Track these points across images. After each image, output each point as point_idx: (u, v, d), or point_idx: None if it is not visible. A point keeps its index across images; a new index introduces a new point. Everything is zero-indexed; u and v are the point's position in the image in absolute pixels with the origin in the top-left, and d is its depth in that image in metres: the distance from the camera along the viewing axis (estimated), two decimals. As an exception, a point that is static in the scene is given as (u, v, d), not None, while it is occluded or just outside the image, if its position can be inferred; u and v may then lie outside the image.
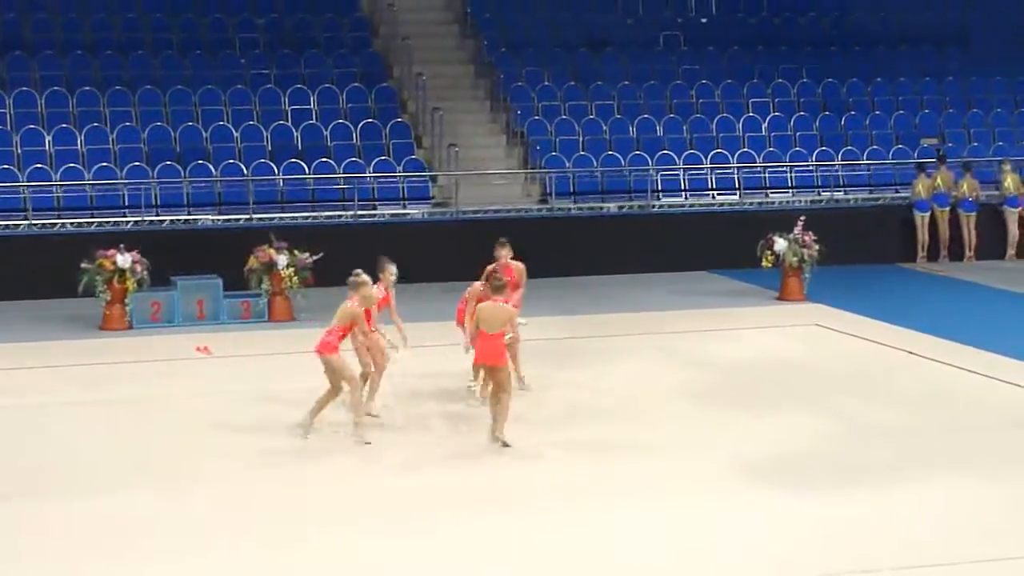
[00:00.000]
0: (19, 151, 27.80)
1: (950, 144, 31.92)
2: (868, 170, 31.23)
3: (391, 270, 17.46)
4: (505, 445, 15.83)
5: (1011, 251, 29.76)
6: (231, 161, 28.28)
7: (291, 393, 18.20)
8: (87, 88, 29.40)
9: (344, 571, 12.25)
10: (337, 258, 23.75)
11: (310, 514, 13.66)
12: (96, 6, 31.60)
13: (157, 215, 27.07)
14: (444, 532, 13.12)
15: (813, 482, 14.68)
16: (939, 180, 29.59)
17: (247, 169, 28.07)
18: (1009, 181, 29.91)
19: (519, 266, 18.45)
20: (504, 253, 18.38)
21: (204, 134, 28.88)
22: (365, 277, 16.42)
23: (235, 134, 29.02)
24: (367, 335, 16.59)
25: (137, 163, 27.86)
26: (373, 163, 28.77)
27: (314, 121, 29.79)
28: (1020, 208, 29.84)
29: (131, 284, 22.74)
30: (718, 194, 30.22)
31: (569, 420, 17.03)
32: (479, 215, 28.05)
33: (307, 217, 27.50)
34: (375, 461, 15.65)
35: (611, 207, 29.32)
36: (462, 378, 17.86)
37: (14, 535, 13.09)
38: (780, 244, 24.86)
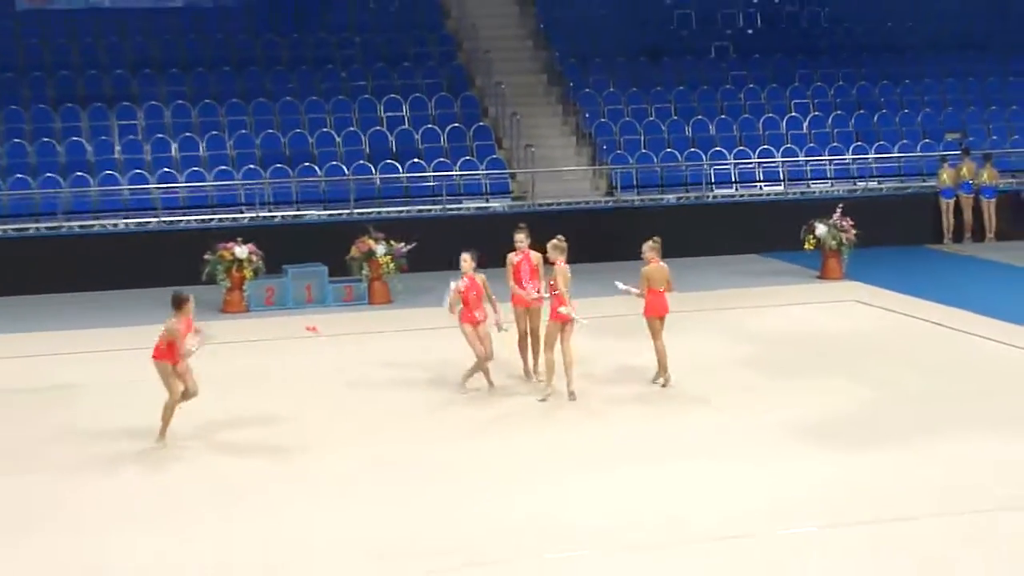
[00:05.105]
0: (149, 157, 28.03)
1: (971, 138, 31.52)
2: (899, 162, 30.88)
3: (464, 257, 17.00)
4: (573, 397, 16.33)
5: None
6: (334, 163, 28.36)
7: (390, 366, 18.33)
8: (208, 101, 29.58)
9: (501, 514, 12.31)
10: (429, 247, 23.90)
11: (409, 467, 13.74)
12: (213, 28, 31.79)
13: (270, 211, 27.19)
14: (531, 488, 13.15)
15: (855, 440, 14.57)
16: (963, 170, 29.31)
17: (348, 169, 28.14)
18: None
19: (536, 255, 17.12)
20: (521, 237, 17.22)
21: (310, 139, 28.97)
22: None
23: (337, 139, 29.11)
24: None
25: (252, 166, 28.00)
26: (459, 162, 28.77)
27: (406, 126, 29.80)
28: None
29: (248, 272, 22.89)
30: (765, 185, 30.00)
31: (636, 386, 17.00)
32: (553, 207, 28.01)
33: (401, 211, 27.51)
34: (463, 424, 15.71)
35: (670, 198, 29.18)
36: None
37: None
38: (821, 229, 24.71)
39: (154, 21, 31.62)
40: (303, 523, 12.22)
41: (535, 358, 17.36)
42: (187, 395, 15.03)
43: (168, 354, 14.87)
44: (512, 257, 17.18)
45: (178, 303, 15.00)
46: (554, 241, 16.62)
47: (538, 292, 17.01)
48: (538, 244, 17.03)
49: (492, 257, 17.62)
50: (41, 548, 11.83)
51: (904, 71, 33.74)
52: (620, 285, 17.10)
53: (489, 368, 17.05)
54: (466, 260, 16.93)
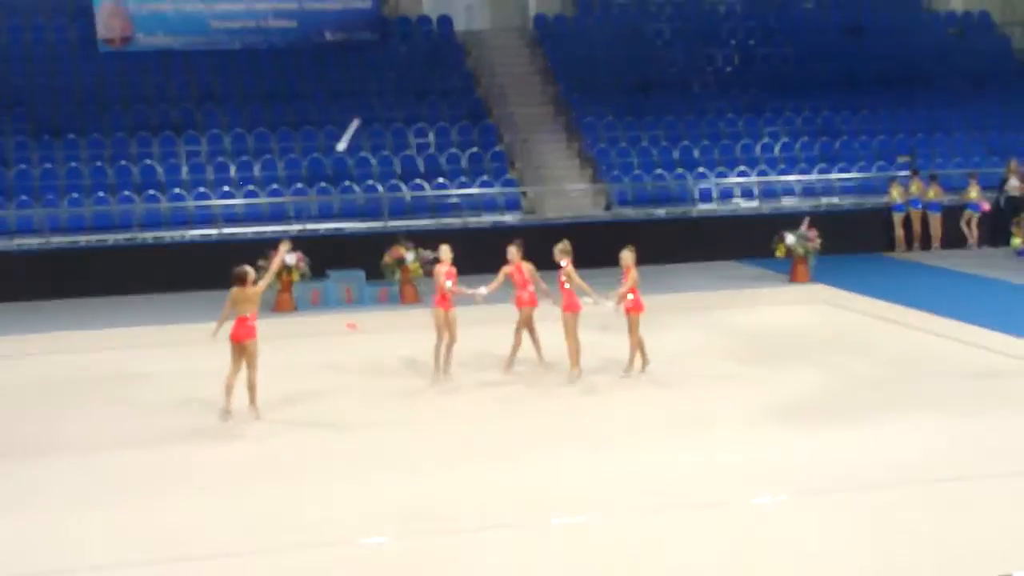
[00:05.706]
0: (212, 177, 28.11)
1: (920, 160, 31.44)
2: (857, 181, 30.82)
3: (443, 248, 17.19)
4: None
5: (972, 243, 29.39)
6: (370, 182, 28.41)
7: (418, 356, 18.34)
8: (261, 129, 29.65)
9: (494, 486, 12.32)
10: (453, 255, 23.84)
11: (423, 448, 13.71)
12: (267, 67, 31.82)
13: (315, 224, 27.23)
14: (526, 462, 13.17)
15: (820, 419, 14.59)
16: (912, 188, 29.25)
17: (382, 188, 28.18)
18: (974, 192, 29.42)
19: (528, 266, 17.09)
20: (513, 250, 17.09)
21: (349, 162, 28.99)
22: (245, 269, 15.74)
23: (373, 161, 29.14)
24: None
25: (299, 184, 28.07)
26: (477, 182, 28.80)
27: (432, 151, 29.84)
28: (979, 212, 29.41)
29: (296, 276, 22.90)
30: (742, 201, 29.95)
31: (627, 375, 17.00)
32: (559, 221, 27.99)
33: (428, 223, 27.53)
34: (453, 407, 15.71)
35: (660, 212, 29.14)
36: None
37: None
38: (790, 238, 24.65)
39: (216, 61, 31.66)
40: (336, 492, 12.29)
41: (535, 347, 17.41)
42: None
43: (251, 331, 15.11)
44: (506, 268, 17.15)
45: (241, 280, 15.34)
46: (559, 245, 16.68)
47: (530, 295, 17.00)
48: (546, 251, 17.03)
49: (502, 262, 17.58)
50: (164, 510, 11.92)
51: (861, 103, 33.65)
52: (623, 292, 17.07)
53: (444, 357, 17.00)
54: (444, 251, 16.98)
